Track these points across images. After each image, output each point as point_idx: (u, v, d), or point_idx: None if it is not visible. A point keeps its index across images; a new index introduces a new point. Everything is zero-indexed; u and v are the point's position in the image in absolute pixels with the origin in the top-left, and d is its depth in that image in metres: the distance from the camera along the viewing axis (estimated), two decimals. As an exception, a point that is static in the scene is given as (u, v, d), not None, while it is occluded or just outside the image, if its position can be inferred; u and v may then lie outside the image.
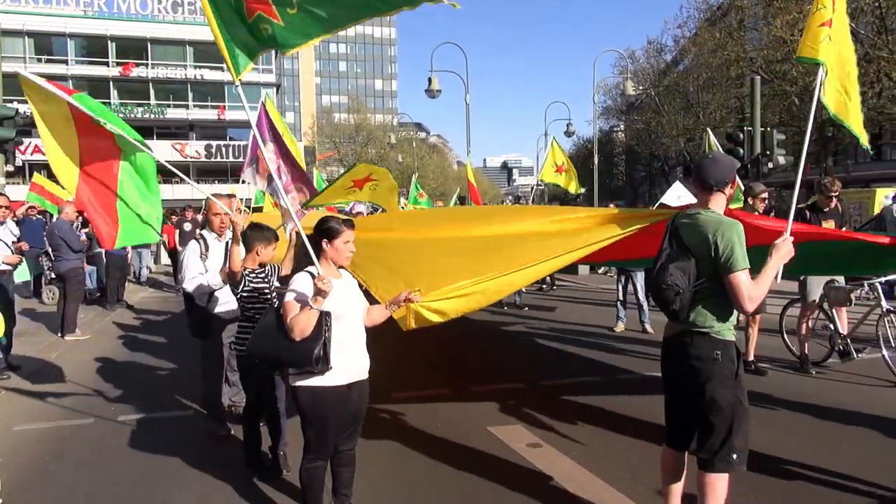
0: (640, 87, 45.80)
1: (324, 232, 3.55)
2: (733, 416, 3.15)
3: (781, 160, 13.76)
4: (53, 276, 12.84)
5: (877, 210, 14.90)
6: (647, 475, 4.49)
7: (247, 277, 4.46)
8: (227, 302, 5.15)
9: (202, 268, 5.20)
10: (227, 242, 5.25)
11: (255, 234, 4.59)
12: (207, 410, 5.62)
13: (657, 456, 4.84)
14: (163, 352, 8.86)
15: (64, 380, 7.52)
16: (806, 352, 7.28)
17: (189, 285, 5.20)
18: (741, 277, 3.08)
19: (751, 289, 3.10)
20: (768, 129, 13.75)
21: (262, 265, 4.63)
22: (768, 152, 13.38)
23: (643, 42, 69.59)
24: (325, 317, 3.39)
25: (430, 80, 26.33)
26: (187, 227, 15.37)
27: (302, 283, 3.46)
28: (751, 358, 7.20)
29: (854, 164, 37.39)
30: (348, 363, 3.52)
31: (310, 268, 3.52)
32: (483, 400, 6.40)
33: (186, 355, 8.39)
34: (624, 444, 5.15)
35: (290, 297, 3.46)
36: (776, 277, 3.29)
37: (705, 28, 33.12)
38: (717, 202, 3.32)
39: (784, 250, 3.26)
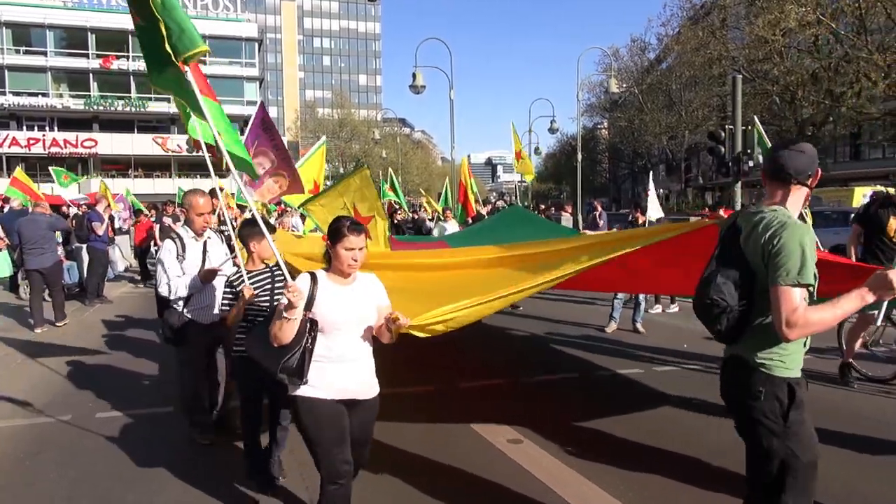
0: (624, 85, 46.05)
1: (329, 234, 3.26)
2: (784, 470, 2.58)
3: (761, 158, 13.89)
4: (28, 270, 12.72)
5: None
6: (625, 470, 4.53)
7: (248, 281, 4.18)
8: (205, 306, 4.91)
9: (179, 270, 4.87)
10: (205, 241, 5.03)
11: (247, 231, 4.40)
12: (189, 419, 5.31)
13: (634, 451, 4.92)
14: (142, 348, 8.76)
15: (41, 376, 7.41)
16: (850, 361, 6.51)
17: (164, 289, 4.85)
18: (788, 293, 2.44)
19: (797, 311, 2.42)
20: (749, 127, 13.87)
21: (265, 263, 4.42)
22: (749, 150, 13.51)
23: (627, 40, 69.97)
24: (310, 326, 3.11)
25: (414, 75, 26.27)
26: (167, 221, 15.22)
27: (299, 286, 3.17)
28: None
29: (833, 163, 37.92)
30: (338, 378, 3.20)
31: (317, 270, 3.27)
32: (466, 396, 6.43)
33: (166, 352, 8.29)
34: (602, 440, 5.18)
35: (283, 299, 3.16)
36: (876, 318, 2.77)
37: (688, 27, 33.41)
38: (792, 199, 2.68)
39: (882, 285, 2.49)
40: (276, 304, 3.77)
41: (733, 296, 2.57)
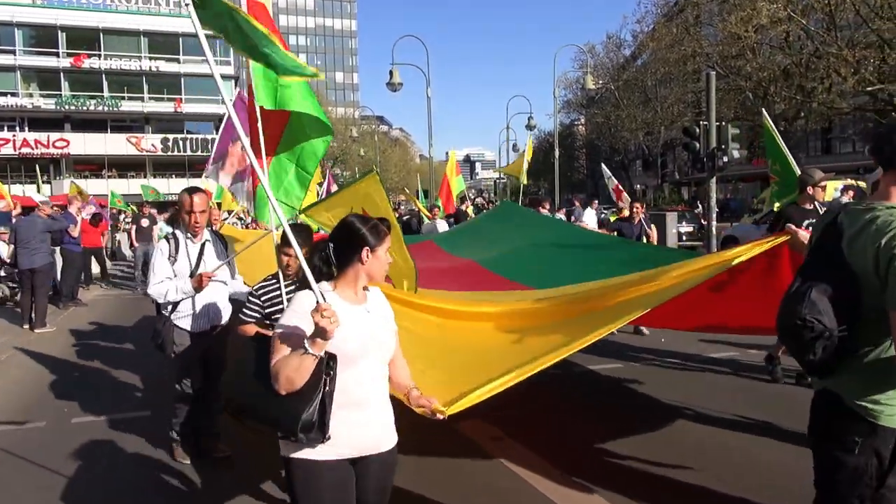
0: (600, 82, 46.35)
1: (362, 237, 2.44)
2: None
3: (736, 154, 14.08)
4: (3, 274, 12.56)
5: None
6: (608, 466, 4.58)
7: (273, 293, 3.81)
8: (192, 314, 4.68)
9: (170, 272, 4.59)
10: (201, 244, 4.73)
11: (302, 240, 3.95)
12: (170, 424, 5.10)
13: (615, 446, 4.94)
14: (117, 352, 8.66)
15: (14, 381, 7.30)
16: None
17: (153, 290, 4.61)
18: None
19: None
20: (723, 123, 14.04)
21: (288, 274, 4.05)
22: (723, 146, 13.67)
23: (603, 37, 70.48)
24: (327, 363, 2.25)
25: (391, 72, 26.21)
26: (144, 223, 15.06)
27: (302, 307, 2.34)
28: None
29: (806, 158, 38.53)
30: (349, 430, 2.40)
31: (321, 284, 2.41)
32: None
33: (141, 356, 8.22)
34: (583, 435, 5.22)
35: (281, 326, 2.36)
36: None
37: (663, 24, 33.77)
38: None
39: None
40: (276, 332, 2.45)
41: (832, 316, 1.99)
